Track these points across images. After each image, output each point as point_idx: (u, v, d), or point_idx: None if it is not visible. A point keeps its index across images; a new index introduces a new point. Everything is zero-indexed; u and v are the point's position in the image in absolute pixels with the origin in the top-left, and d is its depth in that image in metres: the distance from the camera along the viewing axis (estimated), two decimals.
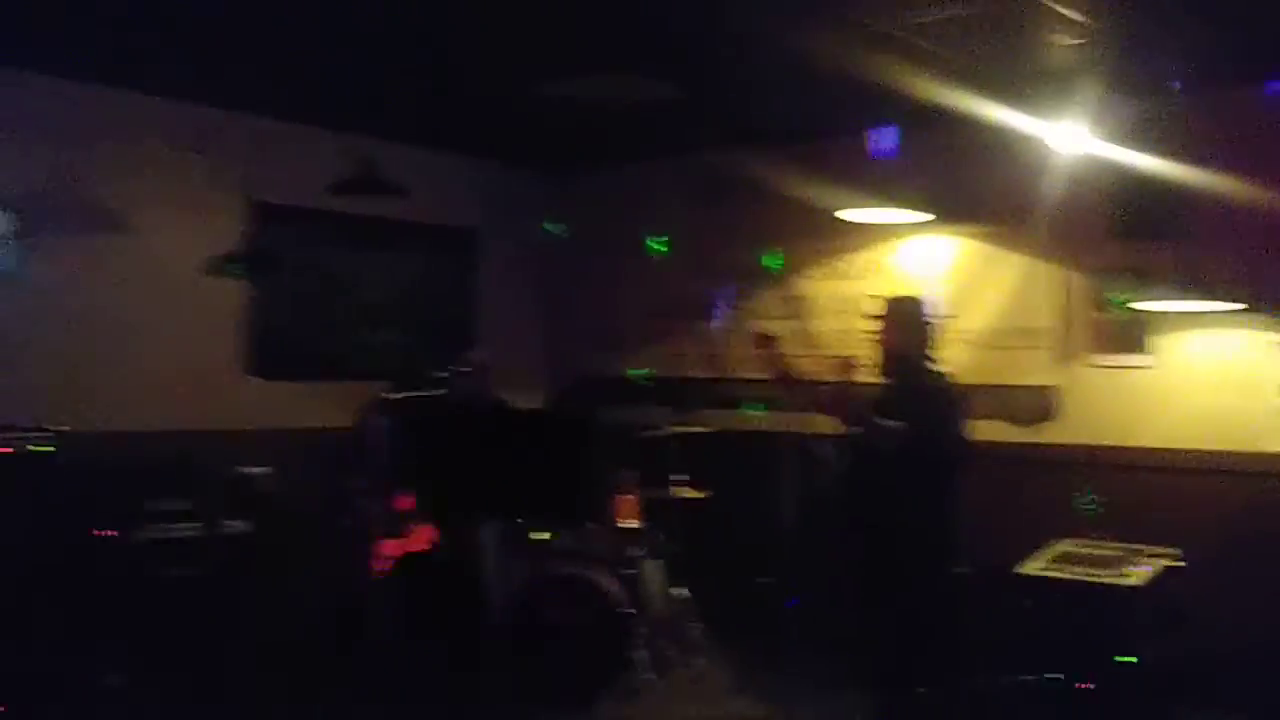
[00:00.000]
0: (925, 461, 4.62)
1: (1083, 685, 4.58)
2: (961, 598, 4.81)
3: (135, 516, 5.39)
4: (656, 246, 7.24)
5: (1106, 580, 4.74)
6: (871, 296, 6.29)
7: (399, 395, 4.29)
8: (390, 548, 4.10)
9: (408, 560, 4.12)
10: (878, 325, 4.97)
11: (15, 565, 4.90)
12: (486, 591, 4.96)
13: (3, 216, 5.47)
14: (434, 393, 4.59)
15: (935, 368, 4.86)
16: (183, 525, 5.51)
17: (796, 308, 6.79)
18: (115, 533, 5.28)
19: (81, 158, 5.71)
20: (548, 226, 7.04)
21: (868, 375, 4.83)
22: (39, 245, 5.55)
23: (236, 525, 5.65)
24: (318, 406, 4.81)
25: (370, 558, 4.30)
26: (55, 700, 4.91)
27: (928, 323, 4.91)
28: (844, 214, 5.92)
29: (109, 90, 5.74)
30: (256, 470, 5.76)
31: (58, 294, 5.60)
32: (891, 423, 4.65)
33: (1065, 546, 5.18)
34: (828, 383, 4.95)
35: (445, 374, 4.67)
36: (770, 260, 6.90)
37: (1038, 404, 5.91)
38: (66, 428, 5.22)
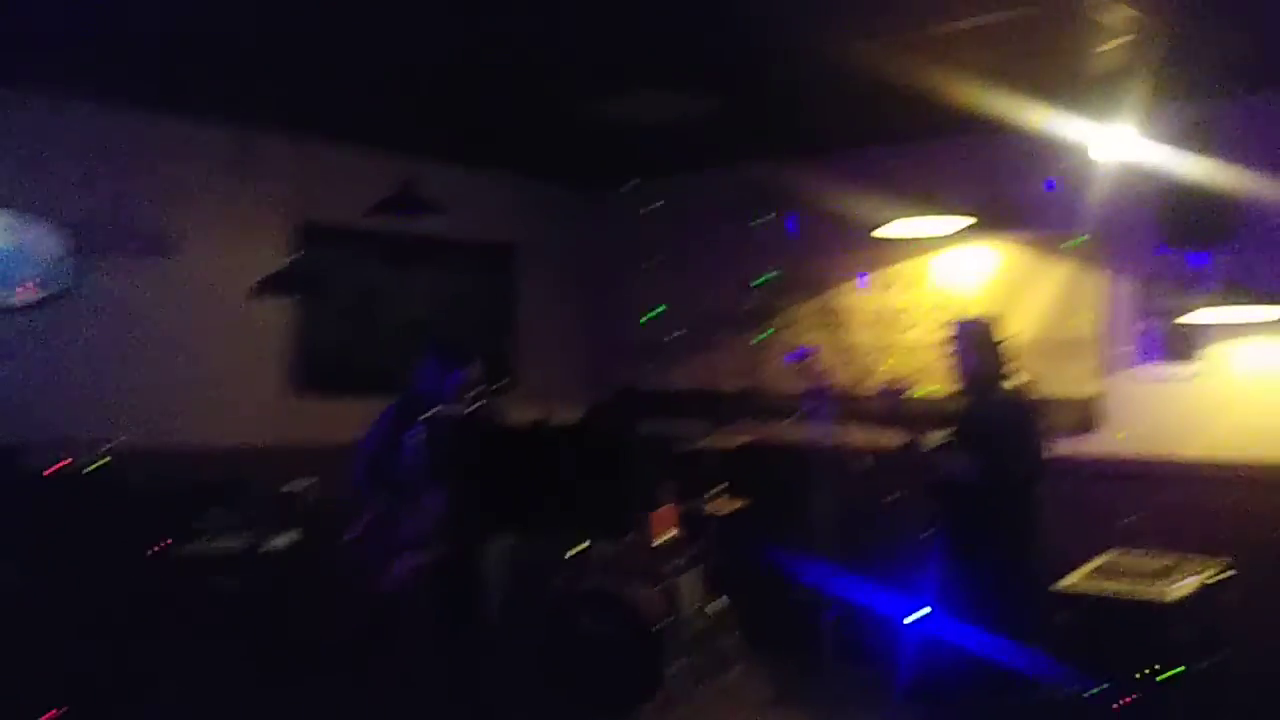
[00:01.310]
0: (1001, 484, 4.61)
1: (1125, 700, 4.50)
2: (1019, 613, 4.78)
3: (188, 530, 5.51)
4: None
5: (1147, 595, 4.65)
6: (911, 312, 6.37)
7: (434, 410, 4.34)
8: (417, 560, 4.15)
9: (437, 572, 4.18)
10: (950, 348, 4.97)
11: (73, 576, 5.05)
12: (517, 604, 5.02)
13: (59, 238, 5.65)
14: (469, 408, 4.63)
15: (1011, 386, 4.84)
16: (233, 539, 5.63)
17: (834, 320, 6.78)
18: (168, 546, 5.40)
19: (134, 182, 5.87)
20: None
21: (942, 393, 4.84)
22: (94, 267, 5.73)
23: (283, 539, 5.77)
24: (361, 422, 4.89)
25: (396, 570, 4.36)
26: (113, 707, 5.05)
27: (998, 343, 4.90)
28: (885, 225, 5.88)
29: (161, 116, 5.90)
30: (302, 485, 5.88)
31: (111, 314, 5.76)
32: (962, 458, 4.63)
33: (1110, 558, 5.10)
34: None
35: (480, 389, 4.70)
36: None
37: (1082, 415, 5.81)
38: (116, 444, 5.36)
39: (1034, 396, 4.86)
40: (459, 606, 4.54)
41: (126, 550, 5.30)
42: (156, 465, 5.54)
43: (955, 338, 5.05)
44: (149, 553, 5.35)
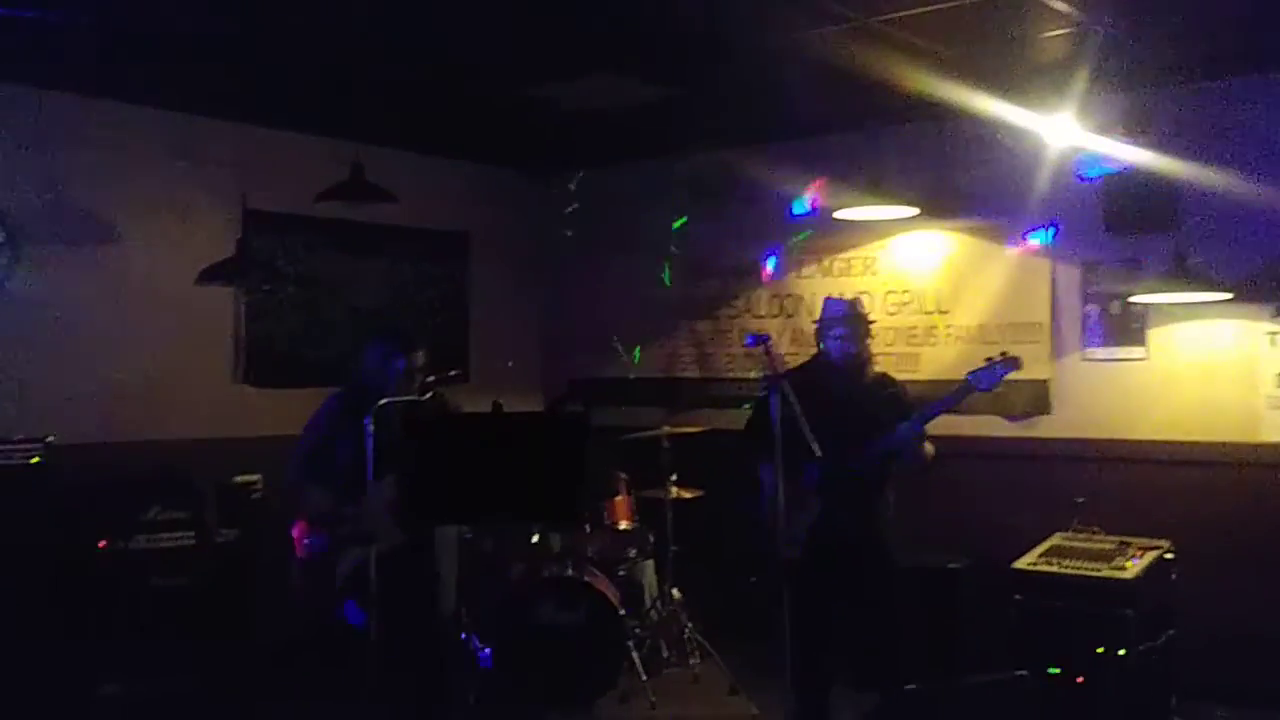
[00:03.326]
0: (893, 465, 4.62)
1: (1078, 679, 4.57)
2: (957, 592, 4.79)
3: (128, 526, 5.37)
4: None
5: (1100, 574, 4.73)
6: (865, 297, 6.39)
7: (386, 400, 4.26)
8: (366, 552, 4.09)
9: (387, 564, 4.12)
10: (825, 328, 4.88)
11: (7, 576, 4.90)
12: (474, 593, 4.98)
13: None
14: (418, 396, 4.56)
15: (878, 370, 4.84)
16: (176, 534, 5.50)
17: (788, 306, 6.79)
18: (107, 543, 5.26)
19: (72, 168, 5.69)
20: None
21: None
22: (29, 256, 5.55)
23: (229, 533, 5.66)
24: (308, 413, 4.79)
25: (344, 564, 4.30)
26: (51, 709, 4.91)
27: (869, 322, 4.84)
28: (838, 212, 5.90)
29: (100, 100, 5.73)
30: (248, 478, 5.76)
31: (48, 304, 5.58)
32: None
33: (1059, 540, 5.17)
34: None
35: (433, 378, 4.63)
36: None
37: (1032, 398, 5.89)
38: (53, 439, 5.21)
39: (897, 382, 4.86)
40: (411, 598, 4.48)
41: (65, 547, 5.16)
42: (96, 459, 5.39)
43: (839, 316, 4.79)
44: (90, 548, 5.21)
